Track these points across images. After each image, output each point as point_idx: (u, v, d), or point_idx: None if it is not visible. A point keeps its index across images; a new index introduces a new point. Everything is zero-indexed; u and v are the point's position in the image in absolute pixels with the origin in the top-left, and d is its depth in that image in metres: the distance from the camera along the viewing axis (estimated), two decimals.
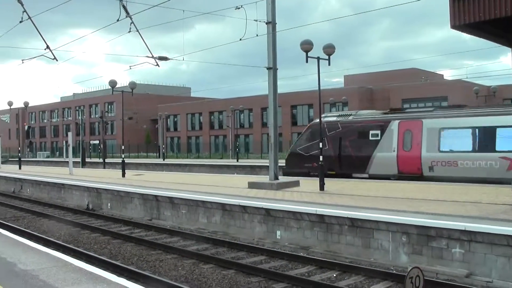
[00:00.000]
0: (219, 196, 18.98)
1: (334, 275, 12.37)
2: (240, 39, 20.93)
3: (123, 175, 31.29)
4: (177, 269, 13.35)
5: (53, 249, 12.11)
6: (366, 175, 26.31)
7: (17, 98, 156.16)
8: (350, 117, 28.63)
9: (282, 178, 22.34)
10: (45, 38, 22.28)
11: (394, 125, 25.57)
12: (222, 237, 17.11)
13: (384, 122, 26.37)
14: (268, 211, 16.26)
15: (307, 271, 12.81)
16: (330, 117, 29.95)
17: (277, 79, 22.01)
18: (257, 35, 20.99)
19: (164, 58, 23.16)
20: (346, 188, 20.52)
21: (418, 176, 23.49)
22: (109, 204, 24.35)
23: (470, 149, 22.16)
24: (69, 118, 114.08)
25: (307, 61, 19.79)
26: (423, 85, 68.84)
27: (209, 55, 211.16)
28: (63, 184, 29.11)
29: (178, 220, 20.05)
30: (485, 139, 20.73)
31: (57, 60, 22.87)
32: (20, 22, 21.29)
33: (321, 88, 21.31)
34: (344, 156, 27.55)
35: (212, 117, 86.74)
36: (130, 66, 24.36)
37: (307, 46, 19.64)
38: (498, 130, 21.79)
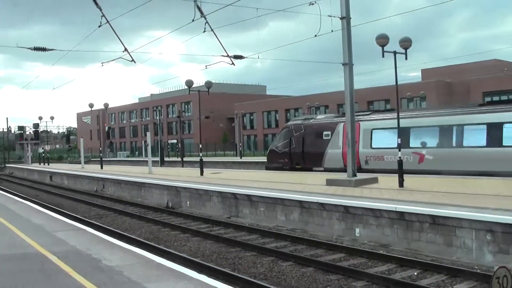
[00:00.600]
0: (297, 193, 18.93)
1: (415, 274, 12.11)
2: (315, 36, 20.79)
3: (201, 173, 31.70)
4: (256, 266, 13.40)
5: (135, 246, 12.39)
6: (322, 169, 31.43)
7: (97, 100, 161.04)
8: (311, 120, 34.91)
9: (360, 175, 22.06)
10: (123, 41, 22.78)
11: (340, 127, 30.57)
12: (300, 234, 17.07)
13: (333, 125, 31.80)
14: (346, 208, 16.10)
15: (387, 269, 12.60)
16: (296, 120, 36.74)
17: (353, 75, 21.76)
18: (332, 31, 20.79)
19: (239, 57, 23.26)
20: (426, 185, 20.05)
21: (357, 168, 25.10)
22: (188, 202, 24.72)
23: (392, 146, 24.16)
24: (147, 118, 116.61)
25: (383, 56, 19.50)
26: (506, 77, 66.36)
27: (283, 52, 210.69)
28: (143, 183, 29.77)
29: (256, 217, 20.13)
30: (402, 138, 22.32)
31: (135, 62, 23.34)
32: (99, 26, 21.83)
33: (398, 82, 20.92)
34: (306, 153, 33.24)
35: (288, 114, 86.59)
36: (206, 66, 24.72)
37: (383, 41, 19.32)
38: (411, 130, 27.02)
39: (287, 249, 15.19)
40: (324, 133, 32.14)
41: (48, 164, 67.41)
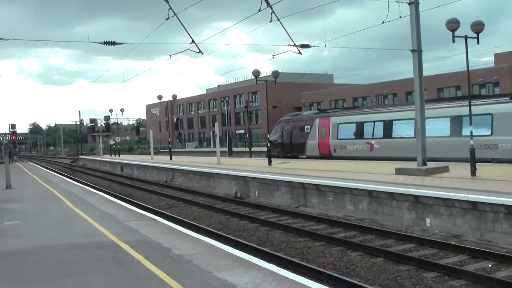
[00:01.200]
0: (365, 182, 18.75)
1: (489, 266, 11.79)
2: (383, 22, 20.44)
3: (269, 163, 31.75)
4: (325, 256, 13.36)
5: (204, 236, 12.54)
6: (304, 156, 38.72)
7: (165, 91, 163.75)
8: (297, 116, 42.52)
9: (431, 164, 21.59)
10: (190, 33, 23.05)
11: (316, 122, 37.82)
12: (369, 224, 16.91)
13: (312, 120, 38.56)
14: (417, 197, 15.83)
15: (459, 260, 12.32)
16: (287, 116, 43.75)
17: (422, 61, 21.30)
18: (400, 17, 20.38)
19: (306, 46, 23.15)
20: (499, 174, 19.47)
21: (328, 156, 35.65)
22: (256, 192, 24.84)
23: (352, 137, 34.04)
24: (214, 109, 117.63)
25: (453, 41, 19.04)
26: None
27: (350, 40, 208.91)
28: (211, 173, 30.09)
29: (325, 207, 20.05)
30: (358, 131, 32.62)
31: (202, 53, 23.60)
32: (167, 19, 22.18)
33: (469, 68, 20.36)
34: (293, 143, 40.20)
35: (355, 103, 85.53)
36: (273, 56, 24.72)
37: (453, 25, 18.85)
38: (365, 124, 33.56)
39: (356, 239, 15.08)
40: (306, 127, 38.98)
41: (119, 156, 69.08)
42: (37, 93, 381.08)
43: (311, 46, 23.41)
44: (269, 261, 10.19)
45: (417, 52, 20.92)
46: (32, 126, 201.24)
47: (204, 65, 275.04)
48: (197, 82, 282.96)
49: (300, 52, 22.96)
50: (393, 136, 31.36)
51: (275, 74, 32.30)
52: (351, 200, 18.78)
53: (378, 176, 20.65)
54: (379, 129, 32.47)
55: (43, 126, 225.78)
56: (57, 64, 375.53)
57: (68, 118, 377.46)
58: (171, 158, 47.88)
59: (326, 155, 35.88)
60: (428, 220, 15.53)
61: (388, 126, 31.92)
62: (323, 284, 8.23)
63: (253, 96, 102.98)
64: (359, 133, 33.63)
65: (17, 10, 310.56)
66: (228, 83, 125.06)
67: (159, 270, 8.65)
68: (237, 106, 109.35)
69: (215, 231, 16.42)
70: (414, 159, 21.67)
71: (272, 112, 51.80)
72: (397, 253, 12.91)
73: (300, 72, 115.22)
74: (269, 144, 36.19)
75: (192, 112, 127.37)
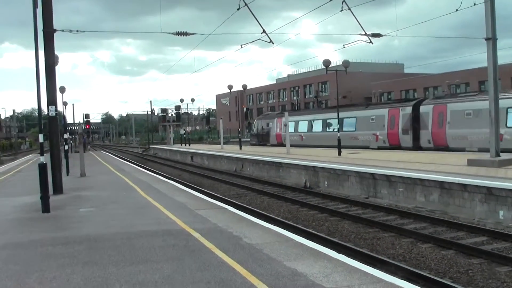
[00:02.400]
0: (436, 174, 18.41)
1: None
2: (456, 10, 19.94)
3: (339, 153, 31.58)
4: (395, 247, 13.22)
5: (274, 225, 12.58)
6: (269, 144, 55.76)
7: (234, 81, 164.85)
8: (266, 115, 63.80)
9: (505, 155, 20.99)
10: (260, 22, 23.10)
11: (275, 120, 56.07)
12: (440, 216, 16.60)
13: (273, 118, 57.55)
14: (490, 189, 15.43)
15: None
16: (261, 116, 64.93)
17: (497, 50, 20.66)
18: (474, 4, 19.83)
19: (377, 35, 22.86)
20: None
21: (280, 143, 51.91)
22: (326, 182, 24.76)
23: (293, 131, 49.31)
24: (284, 99, 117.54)
25: None
26: None
27: (422, 29, 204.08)
28: (281, 163, 30.16)
29: (395, 198, 19.82)
30: (296, 127, 50.84)
31: (273, 43, 23.64)
32: (238, 9, 22.31)
33: None
34: (263, 134, 58.56)
35: (426, 92, 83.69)
36: (343, 45, 24.45)
37: None
38: (299, 123, 50.97)
39: (427, 230, 14.84)
40: (270, 123, 57.95)
41: (189, 145, 70.04)
42: (109, 84, 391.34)
43: (382, 36, 23.11)
44: (338, 251, 10.14)
45: (492, 40, 20.33)
46: (104, 116, 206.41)
47: (273, 55, 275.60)
48: (266, 72, 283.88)
49: (371, 42, 22.71)
50: (313, 131, 49.26)
51: (346, 63, 31.93)
52: (421, 191, 18.48)
53: (450, 167, 20.24)
54: (305, 126, 50.49)
55: (115, 115, 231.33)
56: (128, 55, 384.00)
57: (139, 107, 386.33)
58: (240, 148, 48.28)
59: (280, 143, 52.15)
60: (501, 212, 15.12)
61: (310, 124, 49.79)
62: (393, 275, 8.15)
63: (323, 86, 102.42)
64: (296, 128, 51.40)
65: (89, 3, 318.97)
66: (297, 72, 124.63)
67: (230, 259, 8.76)
68: (306, 96, 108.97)
69: (285, 221, 16.48)
70: (324, 147, 34.56)
71: (342, 102, 51.26)
72: (469, 246, 12.63)
73: (370, 62, 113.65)
74: (250, 136, 59.60)
75: (262, 102, 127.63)
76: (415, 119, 35.57)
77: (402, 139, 36.81)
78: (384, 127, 38.37)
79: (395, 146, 37.10)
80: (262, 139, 58.00)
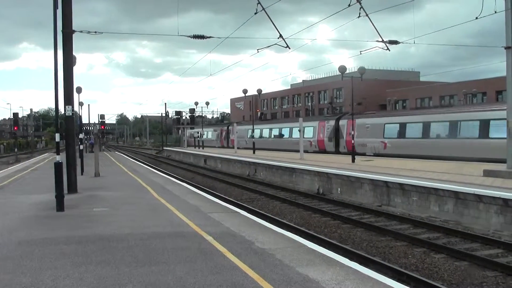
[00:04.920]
0: (451, 183, 18.29)
1: None
2: (476, 18, 19.81)
3: (353, 160, 31.52)
4: (407, 257, 13.16)
5: (286, 230, 12.55)
6: (227, 146, 71.57)
7: (249, 85, 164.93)
8: (228, 123, 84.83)
9: None
10: (277, 27, 23.10)
11: (231, 126, 70.21)
12: (454, 226, 16.52)
13: (229, 125, 76.32)
14: (506, 201, 15.29)
15: None
16: (227, 123, 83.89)
17: None
18: (495, 12, 19.69)
19: (395, 42, 22.77)
20: None
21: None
22: (339, 189, 24.70)
23: (243, 137, 63.26)
24: (299, 104, 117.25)
25: None
26: None
27: (440, 36, 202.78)
28: (294, 169, 30.12)
29: (408, 207, 19.72)
30: (243, 133, 64.14)
31: (289, 48, 23.61)
32: (255, 13, 22.32)
33: None
34: (229, 139, 72.05)
35: (442, 101, 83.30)
36: (360, 52, 24.38)
37: None
38: (248, 130, 61.00)
39: (440, 241, 14.76)
40: (224, 130, 76.18)
41: (203, 148, 70.18)
42: (124, 85, 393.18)
43: (399, 43, 23.01)
44: (350, 259, 10.10)
45: (511, 49, 20.16)
46: (119, 117, 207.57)
47: (289, 60, 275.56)
48: (281, 77, 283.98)
49: (388, 49, 22.63)
50: (262, 136, 60.53)
51: (362, 70, 31.98)
52: (436, 200, 18.38)
53: (465, 178, 20.11)
54: (265, 133, 61.45)
55: (130, 117, 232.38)
56: (144, 56, 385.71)
57: (154, 109, 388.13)
58: (254, 152, 48.31)
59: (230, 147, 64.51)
60: None
61: (269, 132, 60.72)
62: (405, 285, 8.10)
63: (338, 92, 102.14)
64: (246, 135, 64.06)
65: (106, 5, 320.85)
66: (312, 78, 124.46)
67: (242, 263, 8.75)
68: (321, 102, 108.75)
69: (297, 227, 16.47)
70: (273, 150, 48.42)
71: (356, 109, 51.17)
72: (483, 258, 12.53)
73: (386, 69, 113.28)
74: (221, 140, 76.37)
75: (276, 107, 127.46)
76: (337, 130, 45.83)
77: (327, 145, 47.38)
78: (315, 135, 49.01)
79: (323, 150, 47.35)
80: (228, 142, 74.01)
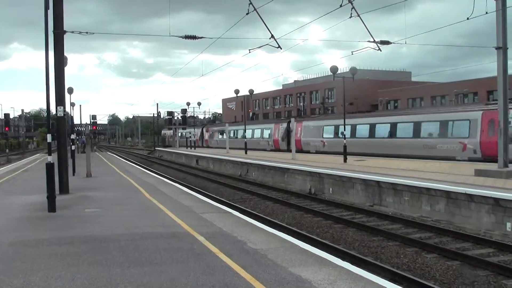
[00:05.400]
0: (443, 183, 18.36)
1: None
2: (468, 18, 19.87)
3: (345, 160, 31.57)
4: (399, 256, 13.20)
5: (278, 231, 12.55)
6: (206, 146, 79.47)
7: (241, 85, 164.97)
8: (206, 125, 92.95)
9: None
10: (269, 28, 23.10)
11: (205, 129, 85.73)
12: (446, 226, 16.57)
13: (203, 127, 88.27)
14: (497, 200, 15.36)
15: None
16: (203, 125, 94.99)
17: (507, 59, 20.59)
18: (486, 13, 19.75)
19: (386, 42, 22.83)
20: None
21: (208, 146, 79.71)
22: (331, 189, 24.74)
23: (217, 138, 77.14)
24: (290, 104, 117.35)
25: None
26: None
27: (432, 36, 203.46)
28: (286, 169, 30.14)
29: (400, 207, 19.77)
30: (217, 134, 77.13)
31: (281, 48, 23.62)
32: (247, 14, 22.31)
33: None
34: (204, 140, 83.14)
35: (434, 101, 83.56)
36: (352, 52, 24.36)
37: None
38: (230, 131, 65.44)
39: (432, 240, 14.81)
40: (198, 131, 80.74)
41: (195, 148, 70.12)
42: (116, 85, 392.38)
43: (391, 43, 23.08)
44: (342, 258, 10.11)
45: (503, 49, 20.26)
46: (111, 118, 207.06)
47: (280, 60, 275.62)
48: (272, 77, 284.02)
49: (379, 49, 22.68)
50: (237, 137, 66.02)
51: (353, 71, 31.91)
52: (427, 200, 18.44)
53: (456, 177, 20.19)
54: (236, 133, 67.74)
55: (121, 117, 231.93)
56: (135, 57, 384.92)
57: (145, 110, 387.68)
58: (246, 152, 48.30)
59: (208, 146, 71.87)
60: (508, 224, 15.05)
61: (234, 133, 67.98)
62: (397, 285, 8.12)
63: (330, 93, 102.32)
64: (218, 135, 75.62)
65: (97, 5, 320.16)
66: (304, 78, 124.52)
67: (234, 263, 8.75)
68: (313, 102, 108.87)
69: (289, 227, 16.48)
70: (239, 148, 49.84)
71: (348, 109, 51.25)
72: (475, 257, 12.58)
73: (377, 69, 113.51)
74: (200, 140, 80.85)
75: (268, 107, 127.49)
76: (288, 132, 50.93)
77: (281, 144, 55.58)
78: (271, 136, 56.47)
79: (278, 149, 54.71)
80: (203, 143, 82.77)
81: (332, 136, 46.04)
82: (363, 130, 41.71)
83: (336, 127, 44.69)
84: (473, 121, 31.43)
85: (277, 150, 53.35)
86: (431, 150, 34.05)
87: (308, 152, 46.95)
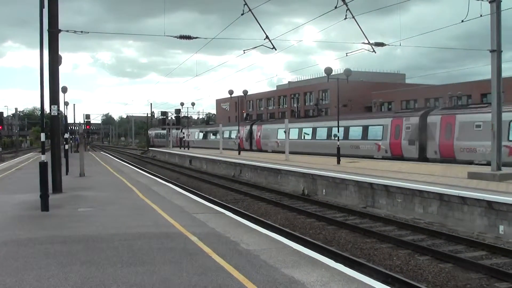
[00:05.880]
0: (436, 185, 18.39)
1: None
2: (462, 21, 19.93)
3: (338, 162, 31.59)
4: (392, 258, 13.21)
5: (271, 232, 12.55)
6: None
7: (235, 86, 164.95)
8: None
9: (506, 169, 20.97)
10: (263, 29, 23.09)
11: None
12: (439, 228, 16.59)
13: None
14: (490, 203, 15.41)
15: None
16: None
17: (501, 62, 20.64)
18: (480, 15, 19.81)
19: (381, 44, 22.86)
20: None
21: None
22: (324, 191, 24.75)
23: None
24: (284, 105, 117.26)
25: None
26: None
27: (426, 39, 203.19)
28: (279, 170, 30.14)
29: (393, 208, 19.80)
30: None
31: (275, 49, 23.63)
32: (242, 14, 22.31)
33: None
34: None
35: (427, 103, 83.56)
36: (346, 54, 24.39)
37: None
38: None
39: (425, 242, 14.82)
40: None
41: (188, 149, 70.05)
42: (110, 85, 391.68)
43: (385, 45, 23.10)
44: (335, 260, 10.12)
45: (497, 52, 20.31)
46: (104, 117, 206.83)
47: (274, 61, 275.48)
48: (266, 78, 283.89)
49: (374, 51, 22.71)
50: (199, 137, 78.45)
51: (348, 72, 31.94)
52: (420, 202, 18.47)
53: (450, 180, 20.24)
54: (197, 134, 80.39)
55: (115, 117, 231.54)
56: (129, 56, 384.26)
57: (139, 110, 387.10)
58: (239, 153, 48.31)
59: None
60: (501, 227, 15.09)
61: (199, 134, 79.09)
62: (390, 287, 8.14)
63: (324, 94, 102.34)
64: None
65: (91, 4, 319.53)
66: (298, 80, 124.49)
67: (227, 264, 8.75)
68: (307, 104, 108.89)
69: (282, 228, 16.48)
70: (204, 148, 66.80)
71: (342, 110, 51.35)
72: (468, 260, 12.61)
73: (371, 71, 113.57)
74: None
75: (262, 108, 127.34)
76: (251, 133, 61.19)
77: (245, 144, 60.72)
78: (237, 137, 58.48)
79: (242, 149, 55.86)
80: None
81: (283, 137, 49.35)
82: (307, 132, 49.17)
83: (287, 131, 49.30)
84: (385, 126, 37.89)
85: (242, 149, 56.40)
86: (356, 149, 40.60)
87: (266, 151, 55.16)
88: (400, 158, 35.51)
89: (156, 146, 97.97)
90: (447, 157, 31.73)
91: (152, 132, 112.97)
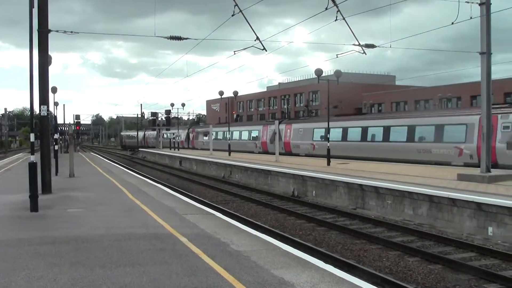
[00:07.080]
0: (425, 187, 18.45)
1: None
2: (452, 23, 20.00)
3: (328, 163, 31.60)
4: (382, 260, 13.24)
5: (261, 233, 12.55)
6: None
7: (225, 87, 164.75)
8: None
9: (495, 171, 21.07)
10: (254, 30, 23.07)
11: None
12: (428, 230, 16.65)
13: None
14: (479, 205, 15.48)
15: None
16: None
17: (491, 65, 20.74)
18: (470, 18, 19.88)
19: (371, 46, 22.88)
20: None
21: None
22: (314, 192, 24.78)
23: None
24: (275, 107, 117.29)
25: None
26: None
27: (416, 40, 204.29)
28: (269, 171, 30.15)
29: (383, 210, 19.85)
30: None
31: (266, 50, 23.60)
32: (232, 15, 22.28)
33: None
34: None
35: (417, 105, 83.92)
36: (337, 55, 24.28)
37: None
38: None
39: (414, 244, 14.88)
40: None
41: (178, 150, 69.96)
42: (100, 85, 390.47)
43: (376, 46, 23.12)
44: (325, 261, 10.13)
45: (486, 54, 20.40)
46: (94, 118, 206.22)
47: (265, 62, 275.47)
48: (256, 79, 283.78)
49: (364, 52, 22.74)
50: (168, 137, 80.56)
51: (338, 73, 31.93)
52: (410, 204, 18.52)
53: (439, 181, 20.29)
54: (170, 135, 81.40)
55: (105, 117, 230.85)
56: (119, 57, 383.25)
57: (129, 110, 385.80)
58: (229, 154, 48.25)
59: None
60: (490, 229, 15.17)
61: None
62: None
63: (314, 95, 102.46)
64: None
65: (81, 4, 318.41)
66: (289, 81, 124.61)
67: (217, 265, 8.73)
68: (297, 105, 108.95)
69: (272, 229, 16.49)
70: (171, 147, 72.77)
71: (332, 112, 51.41)
72: (457, 261, 12.67)
73: (362, 73, 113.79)
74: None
75: (252, 109, 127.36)
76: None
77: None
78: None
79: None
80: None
81: (247, 138, 58.39)
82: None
83: (250, 132, 58.61)
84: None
85: (192, 148, 65.86)
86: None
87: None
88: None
89: (127, 146, 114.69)
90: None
91: (124, 134, 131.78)
